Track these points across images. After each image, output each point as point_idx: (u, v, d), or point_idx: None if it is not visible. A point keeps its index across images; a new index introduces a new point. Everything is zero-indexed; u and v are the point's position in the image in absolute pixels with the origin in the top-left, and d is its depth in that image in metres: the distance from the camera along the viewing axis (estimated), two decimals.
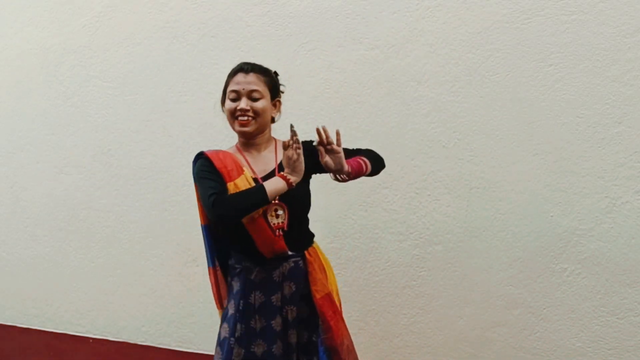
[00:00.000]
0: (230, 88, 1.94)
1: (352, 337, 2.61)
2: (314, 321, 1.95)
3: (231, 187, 1.85)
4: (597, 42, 2.25)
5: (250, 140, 1.98)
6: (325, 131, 1.83)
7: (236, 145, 2.04)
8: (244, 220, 1.83)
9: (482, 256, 2.45)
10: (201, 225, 2.03)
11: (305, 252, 1.96)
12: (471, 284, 2.47)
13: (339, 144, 1.86)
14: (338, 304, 2.03)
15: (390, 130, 2.55)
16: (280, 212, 1.87)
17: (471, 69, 2.42)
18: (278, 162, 1.97)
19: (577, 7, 2.27)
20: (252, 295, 1.91)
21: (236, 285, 1.95)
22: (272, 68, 2.04)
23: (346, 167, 1.87)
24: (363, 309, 2.63)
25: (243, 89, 1.91)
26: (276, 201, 1.86)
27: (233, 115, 1.92)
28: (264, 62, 2.03)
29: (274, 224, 1.87)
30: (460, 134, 2.45)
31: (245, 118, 1.91)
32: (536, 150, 2.35)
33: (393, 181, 2.55)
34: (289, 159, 1.82)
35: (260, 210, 1.85)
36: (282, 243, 1.89)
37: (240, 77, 1.93)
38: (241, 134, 1.96)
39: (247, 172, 1.90)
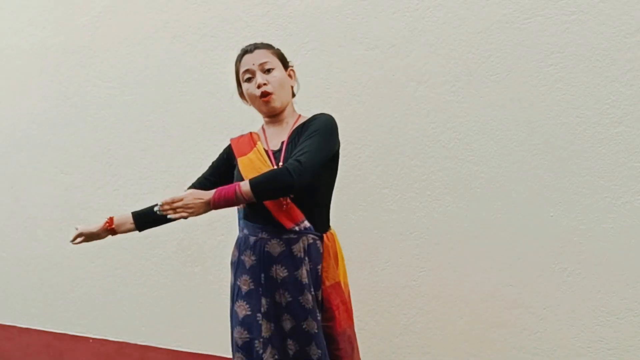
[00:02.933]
0: (241, 71, 1.94)
1: None
2: (319, 309, 1.89)
3: (245, 162, 1.90)
4: (597, 42, 2.25)
5: (274, 117, 1.97)
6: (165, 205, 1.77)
7: (261, 127, 2.05)
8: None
9: (482, 256, 2.45)
10: None
11: (324, 234, 1.92)
12: (471, 284, 2.47)
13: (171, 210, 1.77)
14: (347, 295, 1.98)
15: (390, 130, 2.55)
16: None
17: (471, 69, 2.42)
18: (289, 135, 1.95)
19: (577, 7, 2.28)
20: (273, 268, 1.85)
21: (250, 259, 1.89)
22: None
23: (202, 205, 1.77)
24: (363, 309, 2.62)
25: (254, 64, 1.91)
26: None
27: (255, 95, 1.91)
28: None
29: None
30: (460, 134, 2.45)
31: (268, 92, 1.89)
32: (536, 150, 2.35)
33: (393, 181, 2.55)
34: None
35: None
36: (296, 211, 1.85)
37: (247, 57, 1.93)
38: (269, 111, 1.95)
39: (260, 145, 1.93)
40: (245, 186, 1.76)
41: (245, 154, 1.92)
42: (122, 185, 3.06)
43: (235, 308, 1.89)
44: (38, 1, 3.21)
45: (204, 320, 2.91)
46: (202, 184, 2.01)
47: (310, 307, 1.84)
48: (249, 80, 1.92)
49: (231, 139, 2.04)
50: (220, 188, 1.79)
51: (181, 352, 2.98)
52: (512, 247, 2.40)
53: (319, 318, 1.86)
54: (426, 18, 2.48)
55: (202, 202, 1.76)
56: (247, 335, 1.84)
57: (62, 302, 3.23)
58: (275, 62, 1.93)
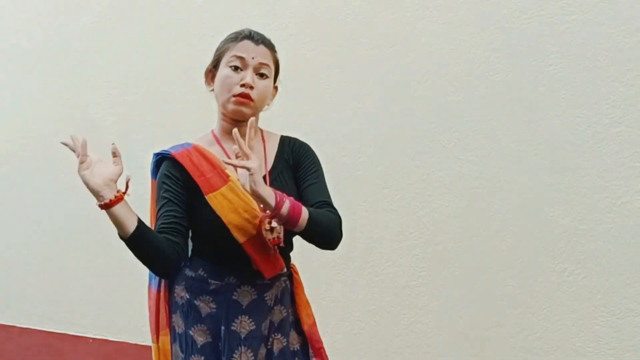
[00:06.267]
0: (233, 52, 1.54)
1: (353, 338, 2.63)
2: (304, 354, 1.63)
3: (217, 199, 1.48)
4: (597, 42, 2.25)
5: (238, 124, 1.55)
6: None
7: (212, 133, 1.63)
8: (240, 239, 1.48)
9: (482, 256, 2.45)
10: None
11: (291, 268, 1.64)
12: (471, 284, 2.47)
13: (243, 153, 1.36)
14: None
15: (390, 130, 2.55)
16: (274, 224, 1.47)
17: (471, 69, 2.42)
18: (270, 164, 1.59)
19: (577, 7, 2.27)
20: (238, 321, 1.53)
21: (207, 306, 1.55)
22: None
23: (270, 199, 1.36)
24: (363, 309, 2.62)
25: (253, 58, 1.52)
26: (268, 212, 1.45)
27: (230, 89, 1.52)
28: None
29: (270, 239, 1.48)
30: (460, 134, 2.45)
31: (249, 96, 1.51)
32: (536, 150, 2.35)
33: (393, 181, 2.54)
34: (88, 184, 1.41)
35: (258, 225, 1.48)
36: (280, 259, 1.54)
37: (248, 44, 1.54)
38: (235, 114, 1.54)
39: (233, 177, 1.50)
40: (305, 213, 1.42)
41: (216, 189, 1.48)
42: (122, 185, 3.06)
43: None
44: (38, 1, 3.21)
45: None
46: (176, 223, 1.53)
47: None
48: (235, 68, 1.52)
49: (178, 157, 1.54)
50: (283, 194, 1.40)
51: None
52: (512, 247, 2.40)
53: None
54: (426, 18, 2.47)
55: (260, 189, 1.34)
56: None
57: (62, 302, 3.23)
58: (271, 71, 1.57)
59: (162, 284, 1.67)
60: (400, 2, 2.51)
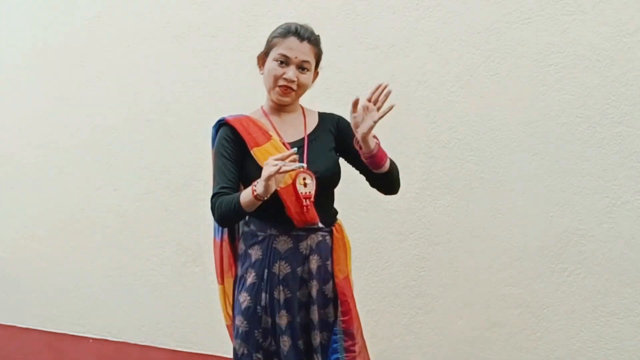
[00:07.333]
0: (280, 50, 1.83)
1: None
2: (336, 302, 1.91)
3: (261, 152, 1.80)
4: (597, 42, 2.25)
5: (282, 105, 1.92)
6: (380, 89, 1.76)
7: (262, 109, 1.96)
8: (278, 187, 1.75)
9: (482, 256, 2.45)
10: None
11: (333, 227, 1.91)
12: (471, 284, 2.47)
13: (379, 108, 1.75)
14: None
15: (390, 130, 2.55)
16: (308, 181, 1.80)
17: (471, 69, 2.42)
18: (308, 131, 1.91)
19: (577, 7, 2.28)
20: (277, 265, 1.86)
21: (256, 254, 1.89)
22: None
23: (372, 142, 1.76)
24: (363, 309, 2.61)
25: (296, 57, 1.82)
26: (305, 169, 1.76)
27: (276, 81, 1.84)
28: None
29: (302, 193, 1.79)
30: (460, 134, 2.45)
31: (291, 89, 1.84)
32: (536, 150, 2.35)
33: None
34: (267, 175, 1.65)
35: (294, 176, 1.78)
36: (313, 213, 1.81)
37: (294, 42, 1.83)
38: (278, 102, 1.88)
39: (275, 137, 1.84)
40: (387, 164, 1.86)
41: (260, 145, 1.82)
42: (122, 185, 3.06)
43: (238, 297, 1.93)
44: (38, 1, 3.20)
45: (204, 320, 2.91)
46: (235, 180, 1.86)
47: (305, 301, 1.88)
48: (280, 63, 1.83)
49: (231, 122, 1.87)
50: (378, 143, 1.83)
51: (181, 352, 2.98)
52: (512, 247, 2.40)
53: (317, 312, 1.89)
54: (426, 18, 2.48)
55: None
56: (247, 326, 1.89)
57: (62, 302, 3.23)
58: (312, 64, 1.87)
59: (225, 235, 2.00)
60: (400, 2, 2.51)
